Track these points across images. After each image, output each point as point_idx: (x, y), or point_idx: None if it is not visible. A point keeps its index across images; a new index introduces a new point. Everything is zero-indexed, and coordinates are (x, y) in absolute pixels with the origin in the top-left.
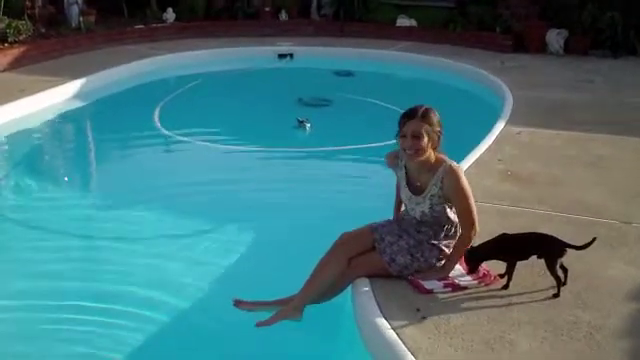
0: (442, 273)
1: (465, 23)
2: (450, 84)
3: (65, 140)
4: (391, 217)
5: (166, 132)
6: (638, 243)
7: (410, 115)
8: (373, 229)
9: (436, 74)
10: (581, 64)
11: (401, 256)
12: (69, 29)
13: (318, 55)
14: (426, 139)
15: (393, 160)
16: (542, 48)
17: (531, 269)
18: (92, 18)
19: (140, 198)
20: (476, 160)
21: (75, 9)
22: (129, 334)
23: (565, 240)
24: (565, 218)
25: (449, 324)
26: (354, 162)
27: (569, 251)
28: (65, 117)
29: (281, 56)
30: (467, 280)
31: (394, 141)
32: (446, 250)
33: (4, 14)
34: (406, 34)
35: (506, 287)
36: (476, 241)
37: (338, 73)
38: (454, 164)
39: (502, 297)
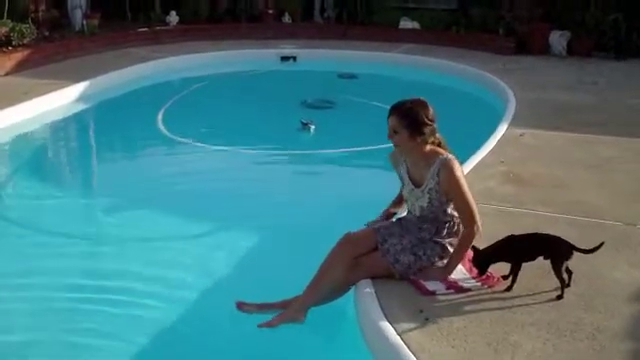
0: (445, 272)
1: (468, 25)
2: (453, 86)
3: (69, 143)
4: (393, 219)
5: (169, 135)
6: None
7: (389, 111)
8: (376, 230)
9: (439, 76)
10: (584, 66)
11: (404, 255)
12: (73, 32)
13: (321, 58)
14: (404, 133)
15: (396, 157)
16: (545, 50)
17: (534, 271)
18: (96, 21)
19: (144, 200)
20: (479, 162)
21: (79, 13)
22: (129, 335)
23: (572, 242)
24: (568, 220)
25: (452, 326)
26: (357, 164)
27: (574, 253)
28: (69, 120)
29: (284, 58)
30: (470, 282)
31: None
32: (449, 248)
33: (8, 17)
34: (409, 36)
35: (509, 289)
36: (480, 244)
37: (341, 75)
38: (449, 156)
39: (505, 299)
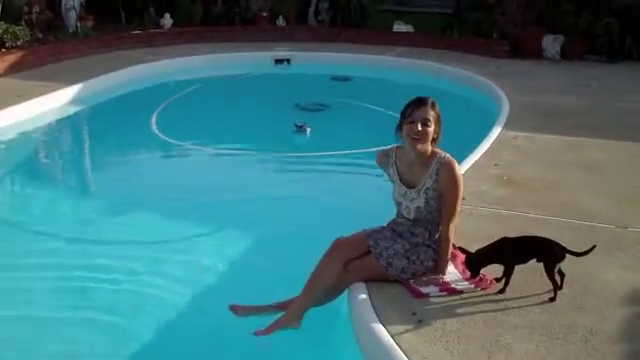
0: (437, 273)
1: (462, 29)
2: (447, 89)
3: (62, 146)
4: (384, 223)
5: (163, 137)
6: (634, 247)
7: (420, 103)
8: (367, 235)
9: (432, 79)
10: (577, 69)
11: (398, 260)
12: (67, 34)
13: (315, 61)
14: (433, 127)
15: (384, 158)
16: (538, 54)
17: (527, 273)
18: (90, 23)
19: (137, 203)
20: (472, 165)
21: (73, 14)
22: (125, 337)
23: (564, 245)
24: (561, 222)
25: (445, 328)
26: (351, 167)
27: (566, 256)
28: (62, 123)
29: (278, 61)
30: (463, 284)
31: (389, 146)
32: None
33: (1, 19)
34: (403, 40)
35: (502, 291)
36: (474, 246)
37: (335, 78)
38: (448, 156)
39: (498, 301)
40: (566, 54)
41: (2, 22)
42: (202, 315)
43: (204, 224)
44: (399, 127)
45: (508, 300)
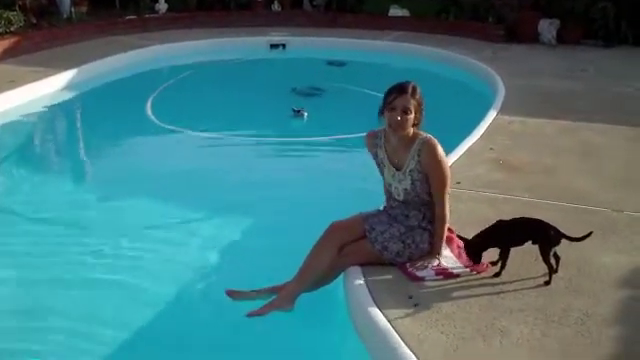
0: (432, 256)
1: (458, 13)
2: (442, 74)
3: (56, 131)
4: (381, 207)
5: (159, 122)
6: (629, 231)
7: (401, 90)
8: (364, 218)
9: (428, 64)
10: (573, 54)
11: (393, 243)
12: (61, 20)
13: (310, 45)
14: (413, 115)
15: (373, 139)
16: (534, 38)
17: (523, 257)
18: (84, 9)
19: (132, 188)
20: (468, 149)
21: (67, 0)
22: (121, 324)
23: (560, 229)
24: (557, 206)
25: (441, 312)
26: (347, 151)
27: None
28: (56, 108)
29: (273, 46)
30: (459, 268)
31: (377, 128)
32: None
33: None
34: (399, 24)
35: (498, 275)
36: (470, 231)
37: (331, 63)
38: (429, 136)
39: (494, 285)
40: (562, 38)
41: None
42: (198, 300)
43: (201, 209)
44: (381, 112)
45: (504, 284)
